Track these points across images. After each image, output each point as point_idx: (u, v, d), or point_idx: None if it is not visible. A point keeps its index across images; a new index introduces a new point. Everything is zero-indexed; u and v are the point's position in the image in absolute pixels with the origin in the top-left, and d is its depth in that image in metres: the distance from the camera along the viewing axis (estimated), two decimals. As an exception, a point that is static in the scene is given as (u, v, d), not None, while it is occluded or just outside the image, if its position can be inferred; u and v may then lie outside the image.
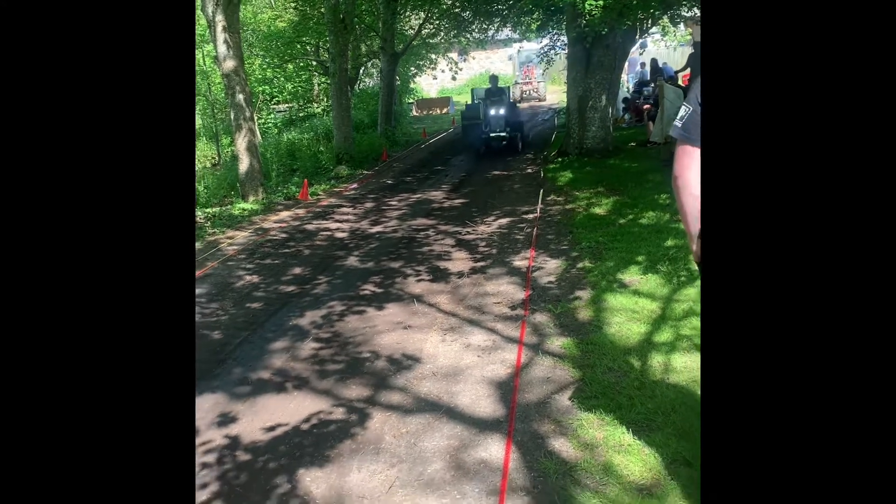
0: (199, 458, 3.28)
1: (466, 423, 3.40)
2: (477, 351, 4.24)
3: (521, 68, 28.76)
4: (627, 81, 19.73)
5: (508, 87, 16.91)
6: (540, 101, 27.63)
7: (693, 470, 2.78)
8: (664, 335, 4.09)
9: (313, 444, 3.34)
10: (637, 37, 12.15)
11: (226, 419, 3.65)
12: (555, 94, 27.65)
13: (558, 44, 16.38)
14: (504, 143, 13.52)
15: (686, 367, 3.66)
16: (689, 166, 2.19)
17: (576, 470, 2.91)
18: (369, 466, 3.10)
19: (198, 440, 3.46)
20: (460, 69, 26.15)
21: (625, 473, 2.84)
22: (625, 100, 17.07)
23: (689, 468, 2.81)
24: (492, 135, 13.33)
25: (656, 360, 3.79)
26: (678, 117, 2.27)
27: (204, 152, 20.84)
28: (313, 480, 3.03)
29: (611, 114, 12.08)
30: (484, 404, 3.57)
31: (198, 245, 7.94)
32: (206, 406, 3.81)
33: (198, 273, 6.62)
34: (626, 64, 19.99)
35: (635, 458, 2.93)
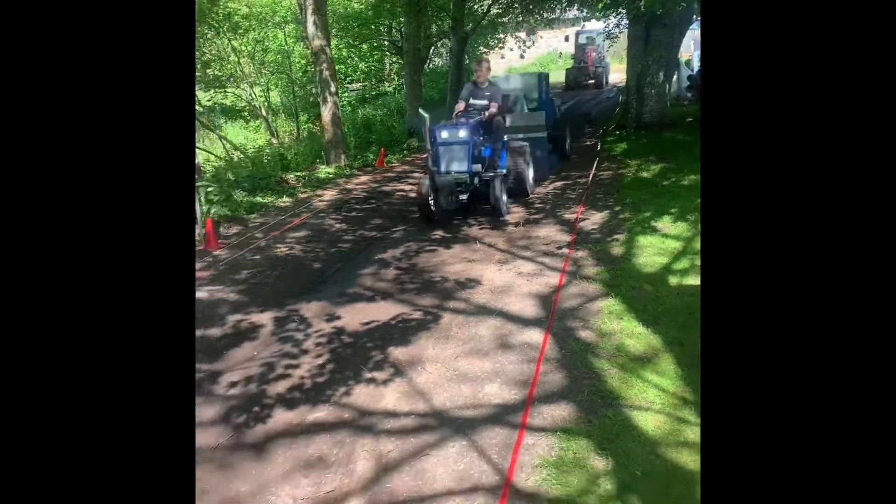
0: (314, 341, 4.40)
1: (514, 321, 4.40)
2: (526, 276, 5.22)
3: (578, 50, 24.90)
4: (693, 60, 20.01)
5: (541, 75, 10.41)
6: (597, 87, 23.55)
7: (684, 348, 3.71)
8: (681, 264, 4.97)
9: (399, 332, 4.40)
10: (695, 16, 12.67)
11: (331, 317, 4.77)
12: (620, 74, 27.67)
13: (623, 23, 16.87)
14: (462, 193, 7.06)
15: (694, 285, 4.54)
16: None
17: (595, 348, 3.88)
18: (440, 345, 4.14)
19: (311, 330, 4.58)
20: (528, 48, 26.83)
21: (632, 350, 3.79)
22: (689, 77, 17.46)
23: (681, 347, 3.73)
24: (438, 176, 6.89)
25: (671, 281, 4.69)
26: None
27: (283, 128, 22.30)
28: (400, 354, 4.09)
29: (668, 90, 12.70)
30: (529, 310, 4.56)
31: (290, 201, 9.18)
32: (315, 309, 4.94)
33: (295, 222, 7.82)
34: (692, 42, 20.24)
35: (642, 341, 3.87)
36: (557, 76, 26.04)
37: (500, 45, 24.84)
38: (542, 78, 10.24)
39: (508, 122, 8.25)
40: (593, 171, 9.14)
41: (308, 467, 3.03)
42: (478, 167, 7.12)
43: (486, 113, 7.44)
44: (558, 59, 32.02)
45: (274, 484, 2.93)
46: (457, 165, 7.03)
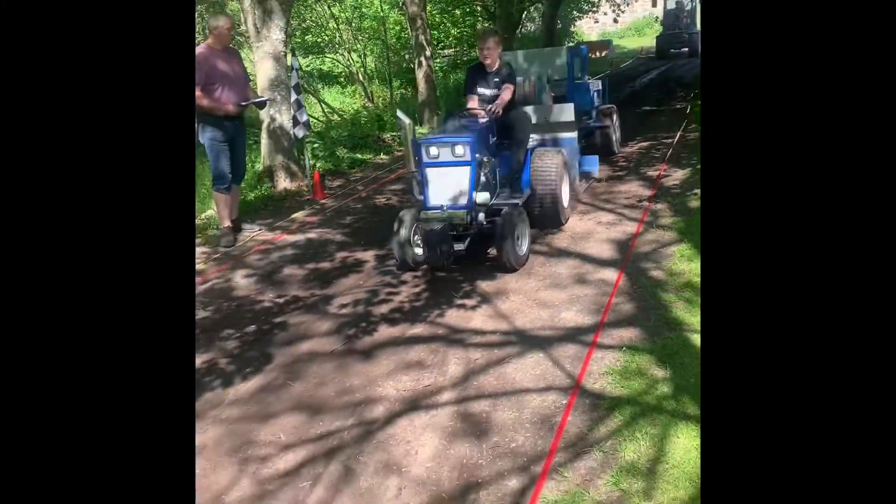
0: (411, 274, 4.97)
1: (591, 261, 4.83)
2: (605, 225, 5.61)
3: (667, 17, 23.99)
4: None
5: (573, 50, 7.72)
6: (692, 55, 22.18)
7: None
8: (755, 216, 5.22)
9: (486, 269, 4.92)
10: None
11: (425, 255, 5.33)
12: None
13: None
14: (460, 240, 4.74)
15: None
16: None
17: (665, 284, 4.27)
18: (523, 280, 4.63)
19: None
20: (622, 12, 26.32)
21: (698, 286, 4.14)
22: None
23: (745, 285, 4.06)
24: (426, 212, 4.75)
25: (743, 231, 4.97)
26: None
27: (377, 93, 23.06)
28: (486, 286, 4.61)
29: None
30: (606, 253, 4.97)
31: (387, 158, 9.86)
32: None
33: (391, 176, 8.46)
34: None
35: (708, 280, 4.22)
36: (652, 42, 25.53)
37: (594, 8, 24.49)
38: (575, 54, 7.57)
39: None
40: (680, 133, 9.28)
41: (408, 368, 3.61)
42: (485, 197, 4.79)
43: (492, 107, 5.22)
44: (654, 24, 31.21)
45: (380, 379, 3.53)
46: (453, 197, 4.76)
